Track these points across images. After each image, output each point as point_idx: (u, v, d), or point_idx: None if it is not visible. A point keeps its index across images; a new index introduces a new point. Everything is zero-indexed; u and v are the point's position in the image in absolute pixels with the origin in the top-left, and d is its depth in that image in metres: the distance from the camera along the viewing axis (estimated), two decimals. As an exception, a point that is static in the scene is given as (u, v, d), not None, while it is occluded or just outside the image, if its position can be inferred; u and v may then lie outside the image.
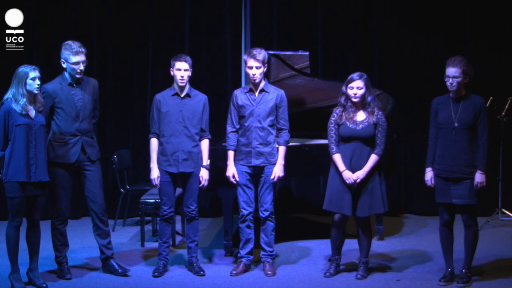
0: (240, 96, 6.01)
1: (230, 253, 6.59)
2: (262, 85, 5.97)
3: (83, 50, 5.78)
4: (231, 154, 6.02)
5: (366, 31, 8.41)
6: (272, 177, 5.96)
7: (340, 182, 5.77)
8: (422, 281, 5.85)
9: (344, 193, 5.75)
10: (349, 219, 5.93)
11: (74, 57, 5.74)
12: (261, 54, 5.89)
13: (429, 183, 5.78)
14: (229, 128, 6.03)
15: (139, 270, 6.17)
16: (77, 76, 5.80)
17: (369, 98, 5.78)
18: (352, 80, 5.75)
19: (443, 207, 5.70)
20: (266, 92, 5.98)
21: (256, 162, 5.97)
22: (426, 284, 5.77)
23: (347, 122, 5.77)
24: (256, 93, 5.97)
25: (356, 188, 5.74)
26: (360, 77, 5.75)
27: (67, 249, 5.96)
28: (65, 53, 5.78)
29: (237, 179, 5.96)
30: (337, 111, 5.83)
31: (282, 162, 5.99)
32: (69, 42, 5.82)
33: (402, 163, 8.25)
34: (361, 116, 5.79)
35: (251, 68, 5.90)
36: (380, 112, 5.80)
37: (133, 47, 8.33)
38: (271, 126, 5.97)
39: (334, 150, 5.80)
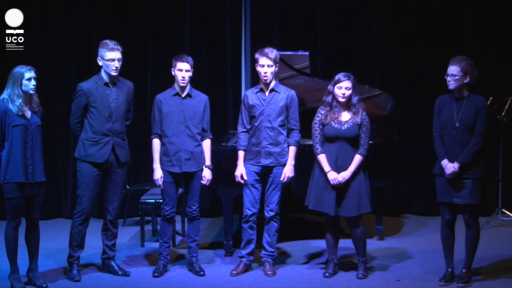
0: (251, 96, 6.00)
1: (230, 253, 6.60)
2: (272, 84, 5.97)
3: (118, 47, 5.81)
4: (241, 154, 6.01)
5: (366, 31, 8.41)
6: (282, 178, 5.95)
7: (325, 182, 5.78)
8: (422, 281, 5.84)
9: (328, 192, 5.76)
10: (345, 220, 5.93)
11: (109, 54, 5.77)
12: (273, 53, 5.89)
13: (451, 170, 5.60)
14: (240, 128, 6.03)
15: (139, 270, 6.17)
16: (113, 73, 5.80)
17: (354, 100, 5.79)
18: (340, 81, 5.76)
19: (445, 207, 5.70)
20: (277, 92, 5.97)
21: (265, 162, 5.96)
22: (426, 284, 5.77)
23: (332, 122, 5.78)
24: (267, 93, 5.97)
25: (343, 188, 5.74)
26: (349, 78, 5.77)
27: (81, 251, 5.96)
28: (101, 50, 5.81)
29: (245, 179, 5.97)
30: (321, 112, 5.84)
31: (293, 163, 5.98)
32: (106, 40, 5.86)
33: (402, 163, 8.25)
34: (345, 116, 5.80)
35: (262, 66, 5.89)
36: (364, 113, 5.80)
37: (133, 47, 8.32)
38: (281, 126, 5.97)
39: (319, 150, 5.81)
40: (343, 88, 5.75)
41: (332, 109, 5.80)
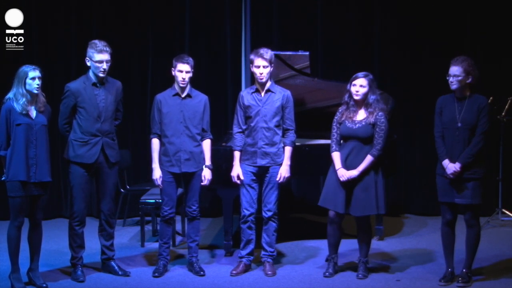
0: (246, 96, 6.01)
1: (230, 253, 6.60)
2: (268, 85, 5.98)
3: (107, 49, 5.79)
4: (237, 154, 6.02)
5: (366, 31, 8.41)
6: (278, 178, 5.95)
7: (336, 180, 5.80)
8: (422, 281, 5.85)
9: (338, 190, 5.77)
10: (348, 219, 5.93)
11: (97, 55, 5.75)
12: (268, 53, 5.90)
13: (452, 170, 5.60)
14: (236, 129, 6.04)
15: (139, 270, 6.17)
16: (100, 75, 5.79)
17: (371, 99, 5.79)
18: (356, 78, 5.79)
19: (446, 207, 5.70)
20: (272, 92, 5.98)
21: (261, 162, 5.97)
22: (426, 284, 5.77)
23: (346, 121, 5.80)
24: (262, 93, 5.97)
25: (351, 187, 5.75)
26: (365, 76, 5.79)
27: (83, 251, 5.96)
28: (89, 51, 5.79)
29: (242, 179, 5.97)
30: (340, 110, 5.87)
31: (288, 163, 5.98)
32: (95, 40, 5.83)
33: (402, 163, 8.25)
34: (361, 115, 5.81)
35: (258, 67, 5.89)
36: (380, 113, 5.80)
37: (133, 47, 8.33)
38: (277, 126, 5.97)
39: (334, 148, 5.84)
40: (357, 85, 5.77)
41: (349, 108, 5.82)
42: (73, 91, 5.80)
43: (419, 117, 8.15)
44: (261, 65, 5.88)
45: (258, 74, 5.91)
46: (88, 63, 5.82)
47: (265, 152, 5.96)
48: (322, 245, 6.80)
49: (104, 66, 5.78)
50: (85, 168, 5.84)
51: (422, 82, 8.23)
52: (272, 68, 5.95)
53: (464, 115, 5.59)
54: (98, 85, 5.84)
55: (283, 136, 6.01)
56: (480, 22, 8.25)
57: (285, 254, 6.64)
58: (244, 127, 6.02)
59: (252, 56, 5.94)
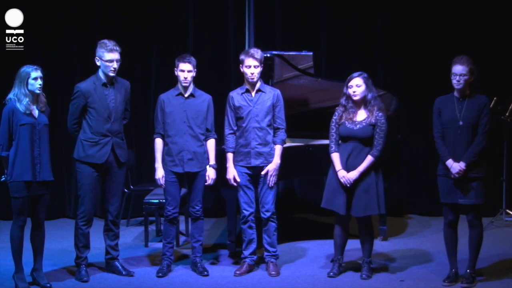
0: (236, 97, 6.00)
1: (234, 253, 6.59)
2: (258, 85, 5.98)
3: (117, 48, 5.79)
4: (230, 156, 6.01)
5: (370, 31, 8.41)
6: (263, 172, 5.92)
7: (336, 181, 5.78)
8: (426, 281, 5.84)
9: (339, 192, 5.77)
10: (353, 219, 5.93)
11: (108, 55, 5.75)
12: (259, 53, 5.91)
13: (457, 169, 5.60)
14: (227, 130, 6.03)
15: (143, 270, 6.17)
16: (111, 74, 5.79)
17: (369, 96, 5.79)
18: (351, 79, 5.78)
19: (448, 207, 5.69)
20: (263, 92, 5.98)
21: (255, 162, 5.96)
22: (430, 285, 5.76)
23: (346, 122, 5.78)
24: (253, 94, 5.98)
25: (352, 188, 5.74)
26: (359, 75, 5.77)
27: (87, 251, 5.96)
28: (99, 50, 5.79)
29: (238, 181, 5.96)
30: (338, 111, 5.85)
31: (278, 161, 5.98)
32: (105, 40, 5.83)
33: (405, 163, 8.24)
34: (361, 116, 5.80)
35: (249, 67, 5.89)
36: (380, 113, 5.79)
37: (136, 47, 8.32)
38: (269, 126, 5.97)
39: (333, 149, 5.82)
40: (354, 86, 5.76)
41: (347, 109, 5.79)
42: (83, 92, 5.80)
43: (423, 117, 8.12)
44: (252, 65, 5.88)
45: (249, 74, 5.90)
46: (98, 63, 5.82)
47: (258, 152, 5.96)
48: (325, 245, 6.80)
49: (115, 65, 5.78)
50: (95, 168, 5.84)
51: (425, 82, 8.22)
52: (262, 69, 5.95)
53: (465, 114, 5.59)
54: (108, 85, 5.85)
55: (274, 135, 6.01)
56: (483, 22, 8.24)
57: (289, 254, 6.63)
58: (235, 128, 6.02)
59: (242, 56, 5.94)
